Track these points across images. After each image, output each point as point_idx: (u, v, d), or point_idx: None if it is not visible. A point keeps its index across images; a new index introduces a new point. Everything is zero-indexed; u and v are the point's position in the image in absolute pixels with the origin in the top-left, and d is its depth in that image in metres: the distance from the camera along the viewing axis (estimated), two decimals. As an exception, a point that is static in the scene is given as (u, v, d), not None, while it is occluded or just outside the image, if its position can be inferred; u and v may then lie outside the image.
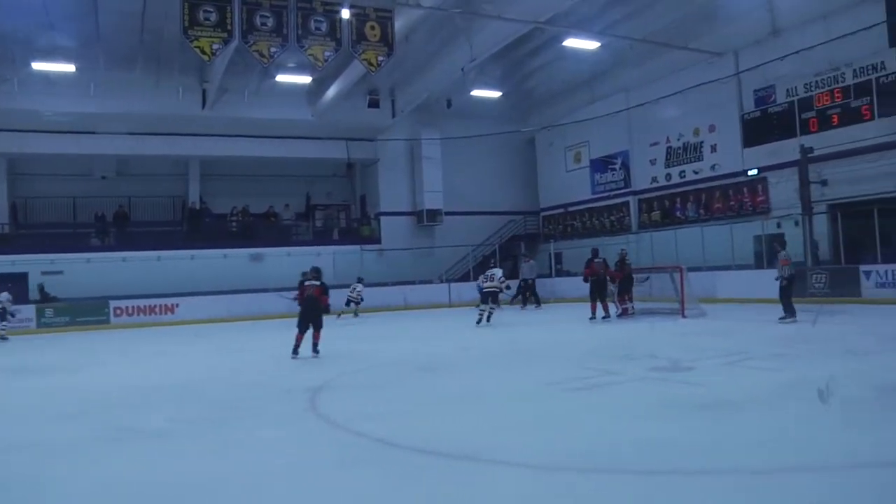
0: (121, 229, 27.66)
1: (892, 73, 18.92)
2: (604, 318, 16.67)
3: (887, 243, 18.79)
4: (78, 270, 24.22)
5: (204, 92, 25.39)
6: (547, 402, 7.23)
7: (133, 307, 23.51)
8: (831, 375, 6.99)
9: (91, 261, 24.74)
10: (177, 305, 23.87)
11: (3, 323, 19.26)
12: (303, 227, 31.04)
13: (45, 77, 22.55)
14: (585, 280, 17.57)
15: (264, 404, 7.80)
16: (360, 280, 23.03)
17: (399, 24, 18.32)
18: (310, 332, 11.98)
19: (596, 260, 17.66)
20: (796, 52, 20.85)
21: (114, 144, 26.50)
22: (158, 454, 5.71)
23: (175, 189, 29.65)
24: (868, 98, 19.48)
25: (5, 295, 19.32)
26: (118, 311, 23.30)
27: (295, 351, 11.75)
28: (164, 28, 20.41)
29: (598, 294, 17.23)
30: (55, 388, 9.76)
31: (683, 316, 16.33)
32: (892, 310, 15.80)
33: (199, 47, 15.68)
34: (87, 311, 23.05)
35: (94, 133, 25.76)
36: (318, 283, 12.30)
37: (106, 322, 22.99)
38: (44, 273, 24.14)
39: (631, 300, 17.64)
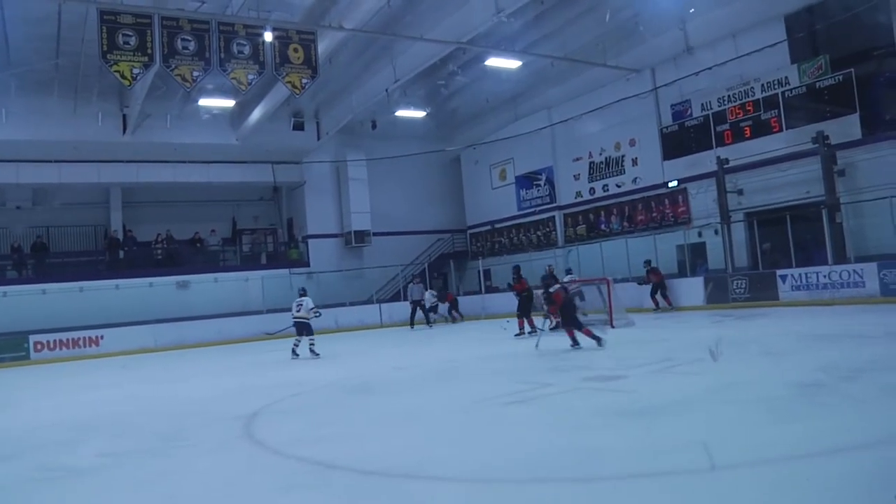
0: (39, 261, 26.66)
1: (796, 87, 19.90)
2: (530, 332, 16.81)
3: (801, 248, 19.65)
4: (-6, 305, 23.29)
5: (124, 117, 24.79)
6: (483, 416, 7.31)
7: (55, 341, 22.62)
8: (752, 376, 7.28)
9: (7, 294, 23.79)
10: (101, 337, 23.11)
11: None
12: (230, 252, 30.58)
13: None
14: (517, 295, 17.78)
15: (198, 433, 7.66)
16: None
17: (322, 46, 18.31)
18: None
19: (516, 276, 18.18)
20: (709, 69, 21.84)
21: (30, 173, 25.59)
22: (91, 491, 5.57)
23: (96, 217, 28.85)
24: (776, 111, 20.41)
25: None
26: (39, 346, 22.40)
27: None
28: (82, 52, 19.87)
29: (524, 309, 17.35)
30: (-24, 429, 9.36)
31: (612, 326, 16.67)
32: (807, 311, 16.54)
33: (118, 72, 15.33)
34: (5, 348, 22.06)
35: (7, 161, 24.82)
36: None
37: (26, 358, 22.05)
38: (-44, 309, 23.11)
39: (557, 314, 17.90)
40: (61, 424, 9.14)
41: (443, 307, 26.12)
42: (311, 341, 16.07)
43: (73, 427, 8.85)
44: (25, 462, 6.84)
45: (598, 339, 12.41)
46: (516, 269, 18.54)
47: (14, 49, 20.08)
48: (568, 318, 13.28)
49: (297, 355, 15.74)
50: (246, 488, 5.31)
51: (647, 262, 21.33)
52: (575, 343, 12.70)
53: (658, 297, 20.94)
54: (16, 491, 5.80)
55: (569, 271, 20.72)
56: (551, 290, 13.49)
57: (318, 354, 15.75)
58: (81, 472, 6.19)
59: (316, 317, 16.25)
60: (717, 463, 4.80)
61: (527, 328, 17.00)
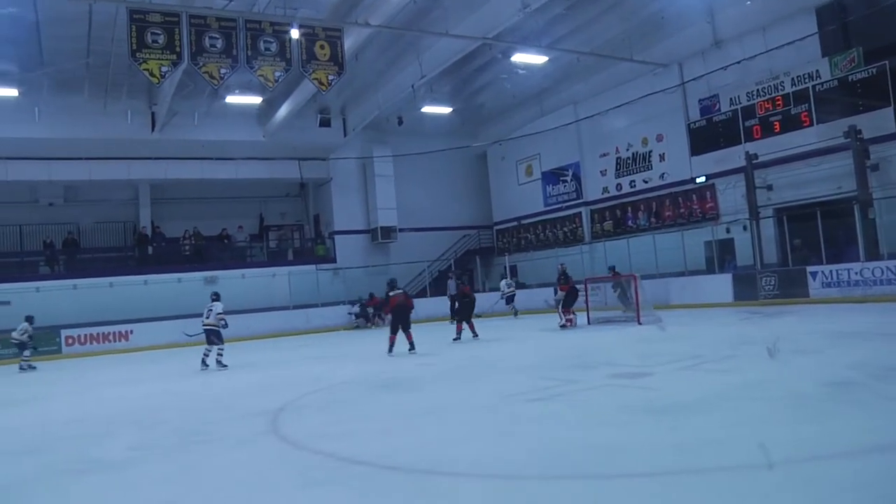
0: (71, 256, 27.08)
1: (827, 81, 19.59)
2: (474, 337, 16.67)
3: (832, 245, 19.36)
4: (27, 300, 23.53)
5: (153, 115, 25.12)
6: (508, 413, 7.29)
7: (85, 335, 23.03)
8: (780, 374, 7.19)
9: (41, 290, 24.15)
10: (131, 332, 23.46)
11: (27, 352, 18.81)
12: (257, 248, 30.79)
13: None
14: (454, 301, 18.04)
15: (225, 428, 7.72)
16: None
17: (349, 42, 18.37)
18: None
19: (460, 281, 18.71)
20: (738, 63, 21.54)
21: (61, 170, 26.04)
22: (121, 484, 5.62)
23: (126, 214, 29.23)
24: (806, 105, 20.12)
25: (25, 325, 18.88)
26: (70, 341, 22.79)
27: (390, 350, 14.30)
28: (111, 51, 20.19)
29: (464, 314, 17.17)
30: (10, 423, 9.50)
31: (639, 323, 16.58)
32: (838, 308, 16.28)
33: (147, 70, 15.50)
34: (38, 342, 22.35)
35: (40, 159, 25.25)
36: (400, 291, 14.86)
37: (58, 352, 22.43)
38: (-10, 303, 23.51)
39: (574, 313, 17.91)
40: (91, 418, 9.29)
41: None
42: (220, 351, 14.70)
43: (103, 420, 8.98)
44: (56, 455, 6.94)
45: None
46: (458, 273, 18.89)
47: (47, 49, 20.48)
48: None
49: (207, 366, 14.50)
50: (271, 482, 5.34)
51: (612, 268, 20.75)
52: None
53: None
54: (47, 483, 5.88)
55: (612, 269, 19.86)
56: (391, 294, 14.67)
57: (225, 366, 14.40)
58: (111, 465, 6.27)
59: (223, 327, 14.70)
60: (739, 462, 4.74)
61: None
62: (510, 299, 25.21)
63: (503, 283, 25.87)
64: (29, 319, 19.05)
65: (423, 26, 20.09)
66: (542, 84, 27.54)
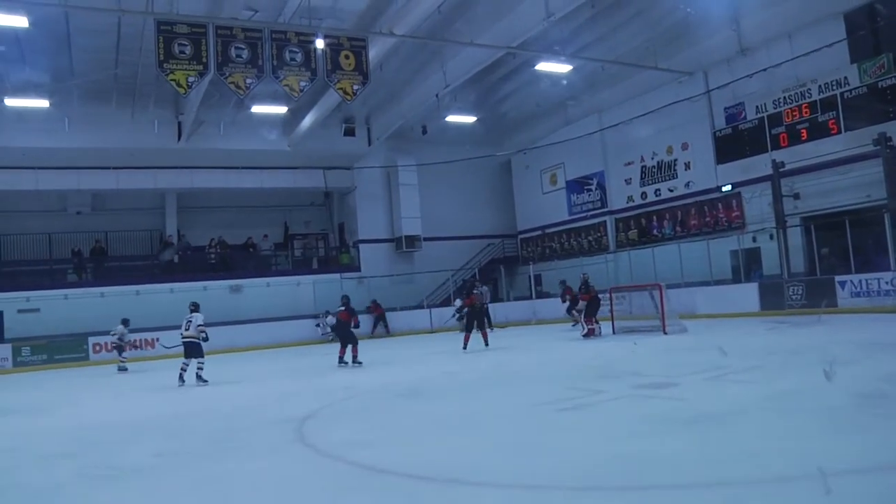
0: (98, 264, 27.44)
1: (856, 87, 19.35)
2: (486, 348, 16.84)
3: (860, 254, 19.10)
4: (55, 307, 23.96)
5: (179, 125, 25.42)
6: (534, 422, 7.26)
7: (112, 343, 23.19)
8: (813, 383, 7.09)
9: (68, 297, 24.49)
10: (157, 339, 23.62)
11: (123, 353, 19.40)
12: (281, 256, 30.96)
13: (18, 113, 22.48)
14: (462, 309, 17.96)
15: (251, 436, 7.76)
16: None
17: (373, 52, 18.45)
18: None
19: (475, 291, 18.37)
20: (764, 70, 21.34)
21: (89, 179, 26.42)
22: (147, 490, 5.67)
23: (152, 222, 29.54)
24: (834, 112, 19.88)
25: (120, 327, 19.33)
26: (97, 348, 23.04)
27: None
28: (139, 62, 20.51)
29: (476, 322, 17.30)
30: (38, 429, 9.60)
31: (665, 333, 16.45)
32: (868, 318, 16.02)
33: (174, 80, 15.66)
34: (66, 349, 22.78)
35: (69, 168, 25.62)
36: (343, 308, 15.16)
37: (85, 359, 22.72)
38: (20, 311, 23.84)
39: (597, 322, 17.83)
40: (119, 424, 9.37)
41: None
42: (200, 364, 13.76)
43: (131, 427, 9.06)
44: (85, 460, 7.01)
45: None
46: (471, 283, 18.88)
47: (77, 61, 20.81)
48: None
49: (184, 382, 13.62)
50: (297, 491, 5.35)
51: (563, 282, 20.65)
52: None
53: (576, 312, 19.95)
54: (76, 488, 5.94)
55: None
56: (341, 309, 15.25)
57: (205, 381, 13.52)
58: (138, 472, 6.31)
59: (203, 339, 13.88)
60: (769, 475, 4.67)
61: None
62: (463, 316, 24.46)
63: (457, 301, 25.34)
64: (124, 322, 19.35)
65: (448, 36, 20.13)
66: (567, 93, 27.47)
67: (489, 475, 5.28)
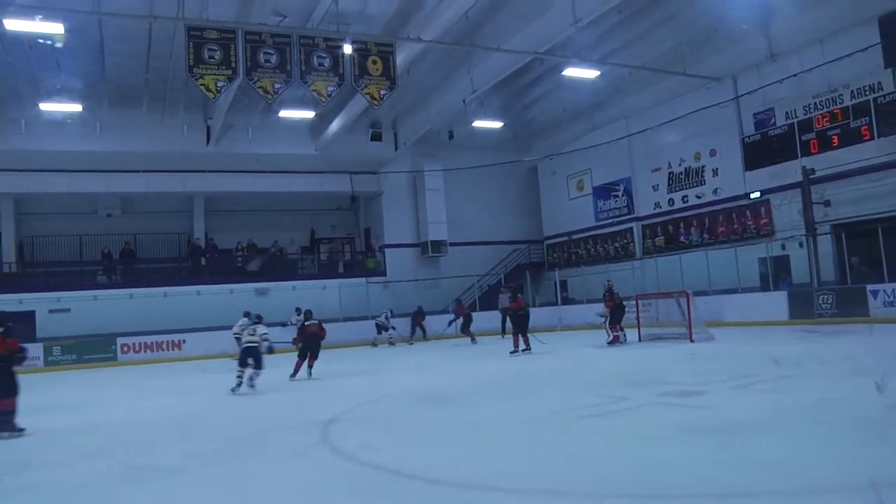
0: (127, 266, 27.76)
1: (890, 93, 19.03)
2: (524, 350, 16.77)
3: (893, 262, 18.76)
4: (85, 308, 24.30)
5: (208, 129, 25.68)
6: (557, 429, 7.22)
7: (140, 344, 23.55)
8: (841, 395, 6.97)
9: (98, 298, 24.83)
10: (184, 341, 23.90)
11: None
12: (308, 260, 31.12)
13: (52, 117, 22.85)
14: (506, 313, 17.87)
15: (276, 438, 7.80)
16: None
17: (400, 58, 18.51)
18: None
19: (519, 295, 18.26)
20: (794, 75, 21.10)
21: (119, 182, 26.74)
22: (175, 490, 5.72)
23: (180, 225, 29.85)
24: (867, 118, 19.57)
25: (244, 320, 17.37)
26: (125, 348, 23.33)
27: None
28: (169, 67, 20.79)
29: (520, 328, 17.18)
30: (67, 428, 9.71)
31: (691, 340, 16.29)
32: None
33: (204, 85, 15.83)
34: (95, 349, 23.08)
35: (99, 171, 25.98)
36: (315, 321, 15.09)
37: (113, 359, 23.01)
38: (51, 311, 24.21)
39: (622, 329, 17.72)
40: (146, 424, 9.47)
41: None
42: (256, 373, 12.74)
43: (157, 427, 9.15)
44: (112, 460, 7.08)
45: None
46: (516, 287, 19.32)
47: (108, 66, 21.14)
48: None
49: (241, 386, 12.59)
50: (319, 493, 5.38)
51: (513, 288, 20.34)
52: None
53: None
54: (103, 488, 6.00)
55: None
56: (307, 323, 15.06)
57: (253, 387, 12.63)
58: (165, 472, 6.37)
59: (266, 350, 13.13)
60: (796, 486, 4.59)
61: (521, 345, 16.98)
62: (384, 328, 25.07)
63: (383, 314, 25.41)
64: (247, 315, 17.08)
65: (475, 41, 20.14)
66: (594, 98, 27.37)
67: (510, 481, 5.26)
